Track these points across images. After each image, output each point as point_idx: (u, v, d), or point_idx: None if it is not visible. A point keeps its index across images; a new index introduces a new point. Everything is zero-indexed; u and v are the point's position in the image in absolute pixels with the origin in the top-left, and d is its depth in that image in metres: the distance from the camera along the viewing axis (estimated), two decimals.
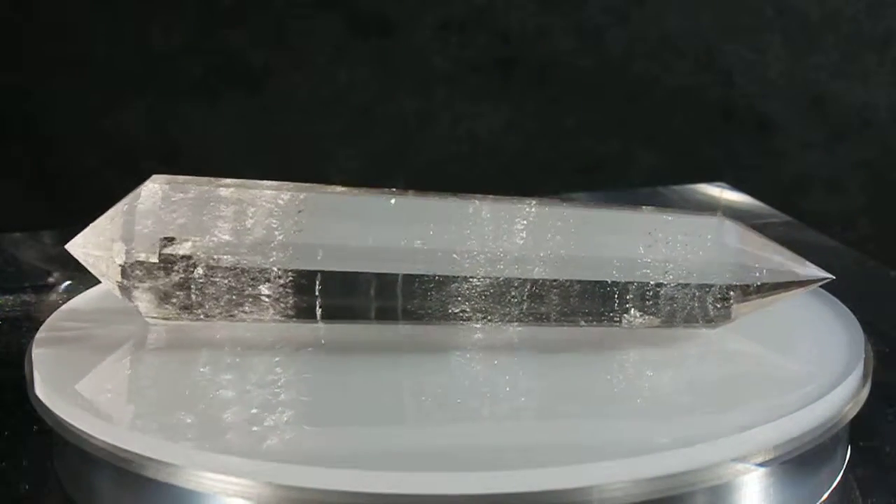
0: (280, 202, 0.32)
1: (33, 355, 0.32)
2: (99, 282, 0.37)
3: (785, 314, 0.35)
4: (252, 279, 0.32)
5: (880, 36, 0.89)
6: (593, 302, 0.32)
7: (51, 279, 0.45)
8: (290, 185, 0.33)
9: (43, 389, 0.31)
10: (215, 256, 0.32)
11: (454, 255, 0.32)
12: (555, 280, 0.32)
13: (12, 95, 0.87)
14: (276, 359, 0.32)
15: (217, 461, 0.27)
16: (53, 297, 0.42)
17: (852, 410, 0.30)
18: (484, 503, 0.26)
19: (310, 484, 0.26)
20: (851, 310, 0.35)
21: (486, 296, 0.32)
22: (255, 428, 0.29)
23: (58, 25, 0.86)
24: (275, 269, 0.32)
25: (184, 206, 0.32)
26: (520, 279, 0.32)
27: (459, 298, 0.32)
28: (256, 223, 0.32)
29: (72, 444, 0.29)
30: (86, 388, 0.30)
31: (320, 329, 0.34)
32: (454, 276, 0.32)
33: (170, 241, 0.32)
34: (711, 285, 0.32)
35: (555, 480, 0.26)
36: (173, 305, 0.33)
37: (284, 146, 0.88)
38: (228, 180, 0.33)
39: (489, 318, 0.32)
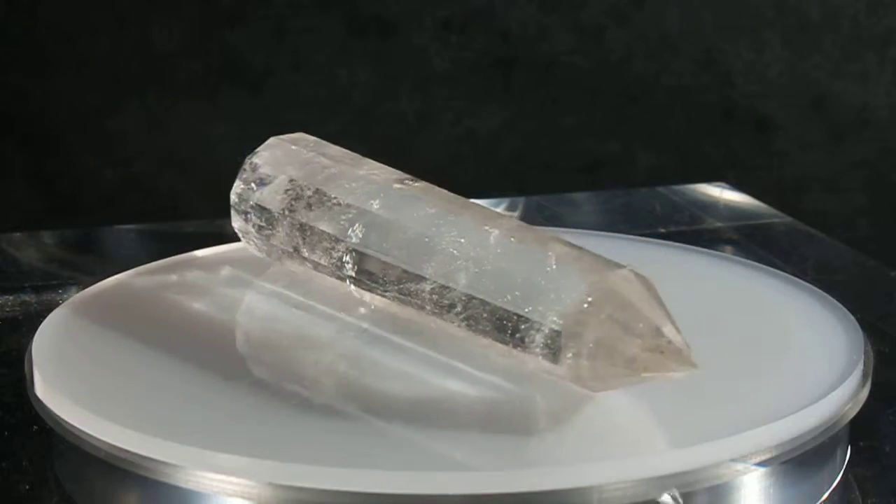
0: (367, 175, 0.34)
1: (33, 355, 0.32)
2: (98, 280, 0.37)
3: (785, 314, 0.35)
4: (313, 244, 0.33)
5: (880, 36, 0.89)
6: (491, 328, 0.30)
7: (51, 279, 0.45)
8: (392, 171, 0.35)
9: (43, 389, 0.30)
10: (288, 211, 0.34)
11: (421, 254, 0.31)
12: (465, 295, 0.30)
13: (12, 95, 0.87)
14: (278, 359, 0.32)
15: (217, 461, 0.27)
16: (53, 297, 0.42)
17: (852, 410, 0.30)
18: (484, 503, 0.26)
19: (310, 484, 0.26)
20: (851, 310, 0.35)
21: (432, 301, 0.31)
22: (255, 428, 0.29)
23: (58, 25, 0.86)
24: (325, 235, 0.33)
25: (287, 163, 0.35)
26: (448, 287, 0.30)
27: (410, 297, 0.32)
28: (342, 192, 0.33)
29: (71, 444, 0.29)
30: (86, 388, 0.30)
31: (345, 319, 0.34)
32: (414, 274, 0.31)
33: (265, 189, 0.35)
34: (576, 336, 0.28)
35: (555, 480, 0.26)
36: (265, 248, 0.36)
37: None
38: (339, 151, 0.36)
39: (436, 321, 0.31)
